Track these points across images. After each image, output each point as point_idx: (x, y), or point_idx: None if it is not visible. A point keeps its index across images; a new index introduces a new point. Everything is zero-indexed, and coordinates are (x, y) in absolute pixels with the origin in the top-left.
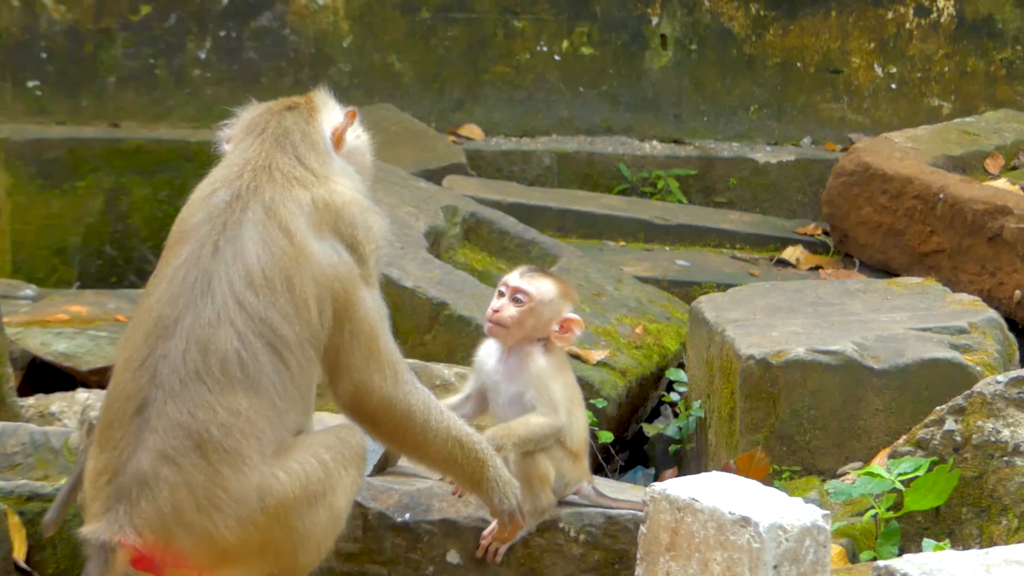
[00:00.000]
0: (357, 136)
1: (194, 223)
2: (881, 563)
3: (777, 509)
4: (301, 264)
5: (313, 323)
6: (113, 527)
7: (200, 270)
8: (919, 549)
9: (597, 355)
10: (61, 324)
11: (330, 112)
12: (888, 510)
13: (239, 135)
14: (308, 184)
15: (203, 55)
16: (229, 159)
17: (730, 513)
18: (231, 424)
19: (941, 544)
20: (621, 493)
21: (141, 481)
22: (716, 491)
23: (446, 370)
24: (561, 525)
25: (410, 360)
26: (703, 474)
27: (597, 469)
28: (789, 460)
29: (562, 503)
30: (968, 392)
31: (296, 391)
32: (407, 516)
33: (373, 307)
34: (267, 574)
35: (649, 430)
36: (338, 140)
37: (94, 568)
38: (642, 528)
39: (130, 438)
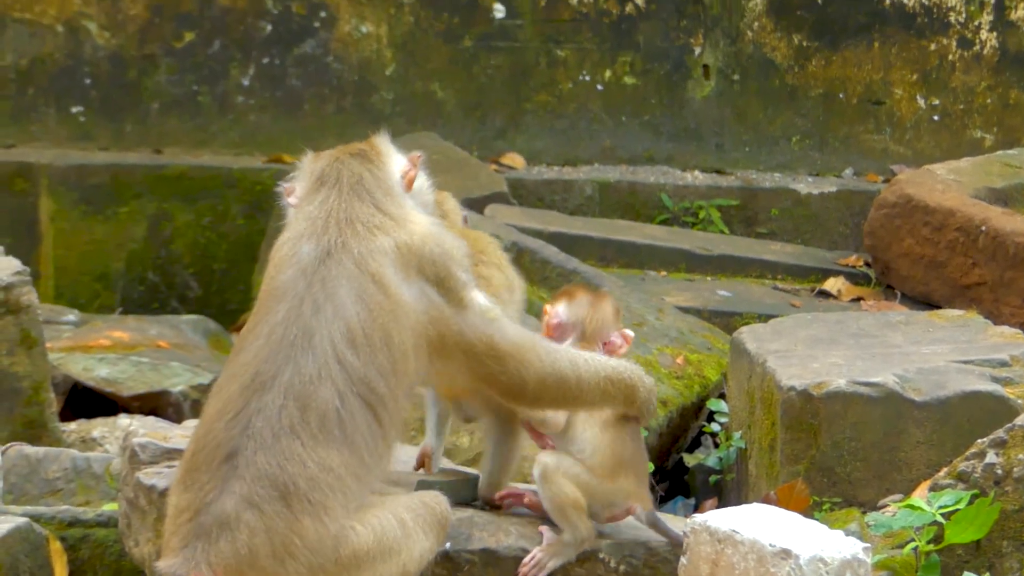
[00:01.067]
0: (421, 177)
1: (286, 280)
2: None
3: (818, 541)
4: (398, 316)
5: (410, 374)
6: (190, 563)
7: (300, 327)
8: None
9: None
10: (103, 350)
11: (394, 155)
12: (928, 543)
13: (311, 186)
14: (389, 230)
15: (246, 82)
16: (309, 212)
17: (771, 545)
18: (320, 478)
19: None
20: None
21: (222, 522)
22: (756, 523)
23: None
24: (601, 556)
25: None
26: (743, 506)
27: None
28: (830, 492)
29: (603, 534)
30: (1010, 425)
31: (386, 447)
32: (447, 545)
33: (477, 323)
34: None
35: (690, 460)
36: (409, 183)
37: None
38: (682, 559)
39: (216, 482)
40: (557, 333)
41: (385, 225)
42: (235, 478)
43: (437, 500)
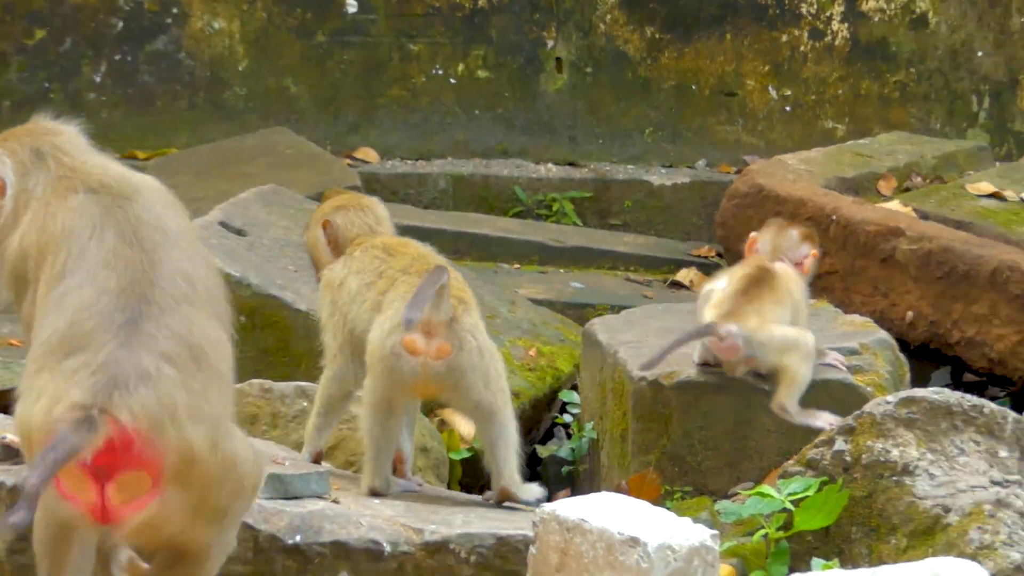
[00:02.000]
0: None
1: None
2: None
3: (666, 529)
4: None
5: None
6: (104, 414)
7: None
8: (808, 568)
9: None
10: None
11: None
12: (778, 530)
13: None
14: None
15: (98, 79)
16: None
17: (619, 534)
18: (219, 348)
19: (830, 563)
20: (511, 515)
21: (142, 373)
22: (605, 512)
23: None
24: (452, 547)
25: (303, 383)
26: (592, 495)
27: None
28: (681, 481)
29: (454, 525)
30: (858, 412)
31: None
32: (298, 538)
33: None
34: (180, 529)
35: (542, 452)
36: None
37: (75, 437)
38: (532, 549)
39: (119, 341)
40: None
41: None
42: (146, 335)
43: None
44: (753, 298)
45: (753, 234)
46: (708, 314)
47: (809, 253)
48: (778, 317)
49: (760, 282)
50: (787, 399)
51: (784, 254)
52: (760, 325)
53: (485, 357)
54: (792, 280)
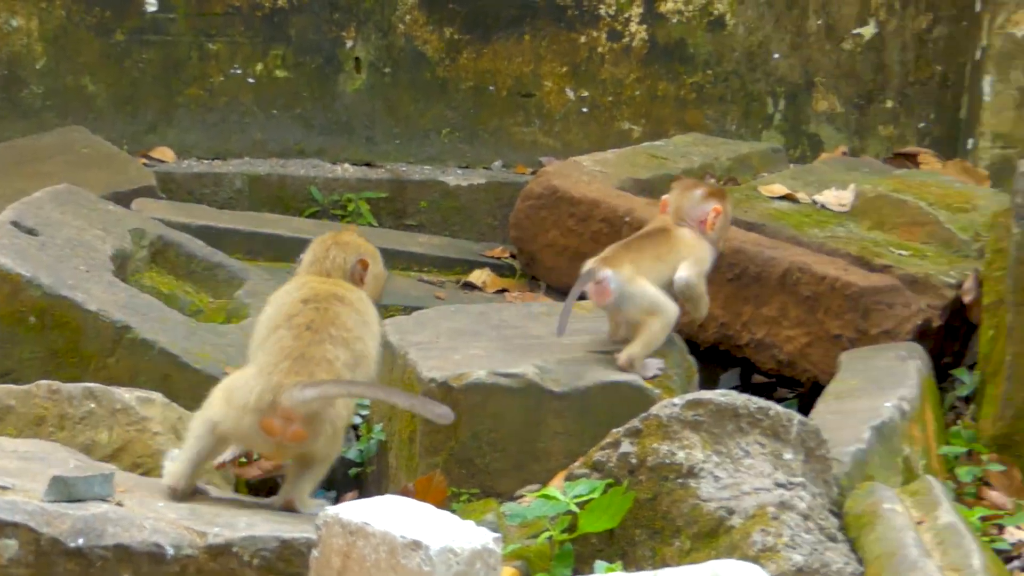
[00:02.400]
0: None
1: None
2: None
3: (448, 532)
4: None
5: None
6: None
7: None
8: (592, 571)
9: None
10: None
11: None
12: (563, 532)
13: None
14: None
15: None
16: None
17: (401, 537)
18: None
19: (613, 566)
20: (296, 518)
21: None
22: (388, 515)
23: (127, 394)
24: (235, 550)
25: (91, 384)
26: (376, 498)
27: (275, 491)
28: (468, 483)
29: (238, 528)
30: (644, 415)
31: None
32: (80, 541)
33: None
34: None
35: None
36: None
37: None
38: (314, 552)
39: None
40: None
41: None
42: None
43: None
44: (634, 250)
45: (664, 196)
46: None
47: (711, 209)
48: (655, 274)
49: (648, 237)
50: (637, 355)
51: (687, 214)
52: (632, 276)
53: (336, 432)
54: (685, 244)
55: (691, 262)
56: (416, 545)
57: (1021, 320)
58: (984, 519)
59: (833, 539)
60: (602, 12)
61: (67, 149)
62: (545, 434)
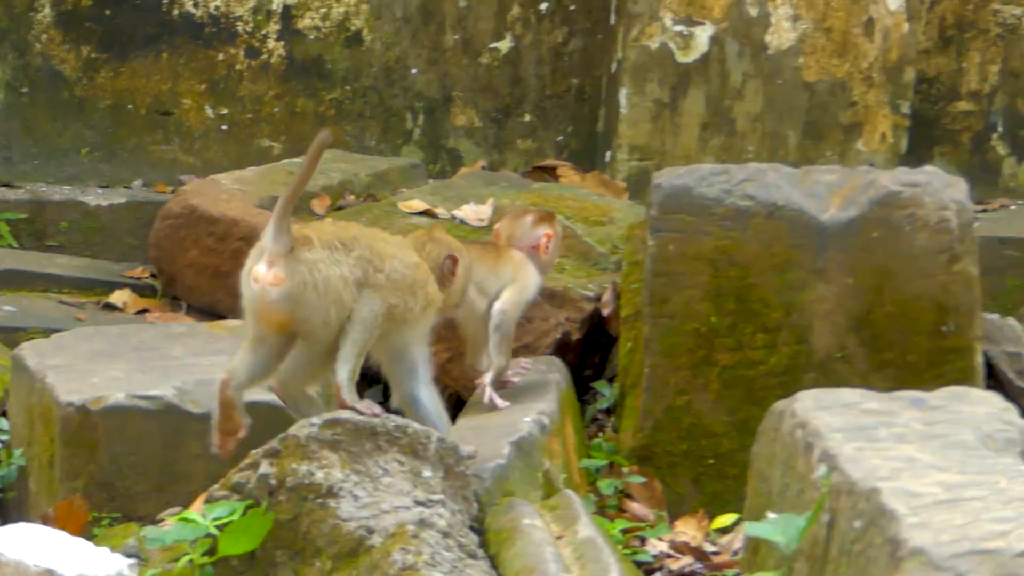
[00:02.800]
0: None
1: None
2: None
3: (83, 559)
4: None
5: None
6: None
7: None
8: None
9: None
10: None
11: None
12: (203, 555)
13: None
14: None
15: None
16: None
17: (35, 565)
18: None
19: None
20: None
21: None
22: (23, 543)
23: None
24: None
25: None
26: (11, 526)
27: None
28: (109, 507)
29: None
30: (283, 435)
31: None
32: None
33: None
34: None
35: None
36: None
37: None
38: None
39: None
40: None
41: None
42: None
43: None
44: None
45: (496, 226)
46: None
47: (543, 234)
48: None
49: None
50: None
51: (519, 241)
52: None
53: (321, 294)
54: (514, 266)
55: (516, 289)
56: (49, 573)
57: (657, 332)
58: (626, 531)
59: (473, 556)
60: (240, 29)
61: None
62: (186, 456)
